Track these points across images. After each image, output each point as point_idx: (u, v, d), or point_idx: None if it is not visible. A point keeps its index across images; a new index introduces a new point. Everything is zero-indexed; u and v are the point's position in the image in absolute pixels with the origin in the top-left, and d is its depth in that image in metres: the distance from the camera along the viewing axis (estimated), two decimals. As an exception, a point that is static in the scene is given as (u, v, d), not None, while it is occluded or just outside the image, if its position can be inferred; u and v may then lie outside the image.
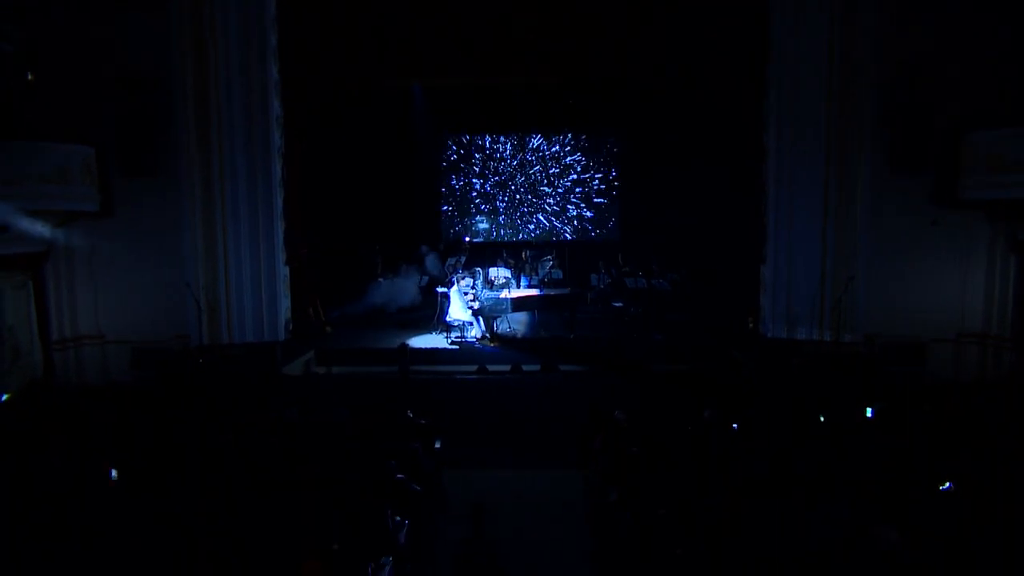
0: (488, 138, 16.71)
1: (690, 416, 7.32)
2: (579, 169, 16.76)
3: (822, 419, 7.18)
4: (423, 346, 11.14)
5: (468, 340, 11.38)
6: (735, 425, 7.05)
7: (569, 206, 16.78)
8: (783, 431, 6.94)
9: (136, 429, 6.88)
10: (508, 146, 16.77)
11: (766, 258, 10.81)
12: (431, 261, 13.55)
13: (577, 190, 16.80)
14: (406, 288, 13.25)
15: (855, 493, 5.35)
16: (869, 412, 7.20)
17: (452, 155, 16.87)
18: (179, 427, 6.94)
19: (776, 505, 5.24)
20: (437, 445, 7.42)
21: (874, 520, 4.62)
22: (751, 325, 11.28)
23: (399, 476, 6.12)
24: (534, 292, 12.56)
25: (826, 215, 10.22)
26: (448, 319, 11.51)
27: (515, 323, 12.20)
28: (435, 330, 11.98)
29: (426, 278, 13.26)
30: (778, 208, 10.55)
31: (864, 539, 4.43)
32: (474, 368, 10.21)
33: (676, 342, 11.27)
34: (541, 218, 16.77)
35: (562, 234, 16.70)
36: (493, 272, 13.13)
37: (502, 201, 16.79)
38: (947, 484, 5.21)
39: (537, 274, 14.45)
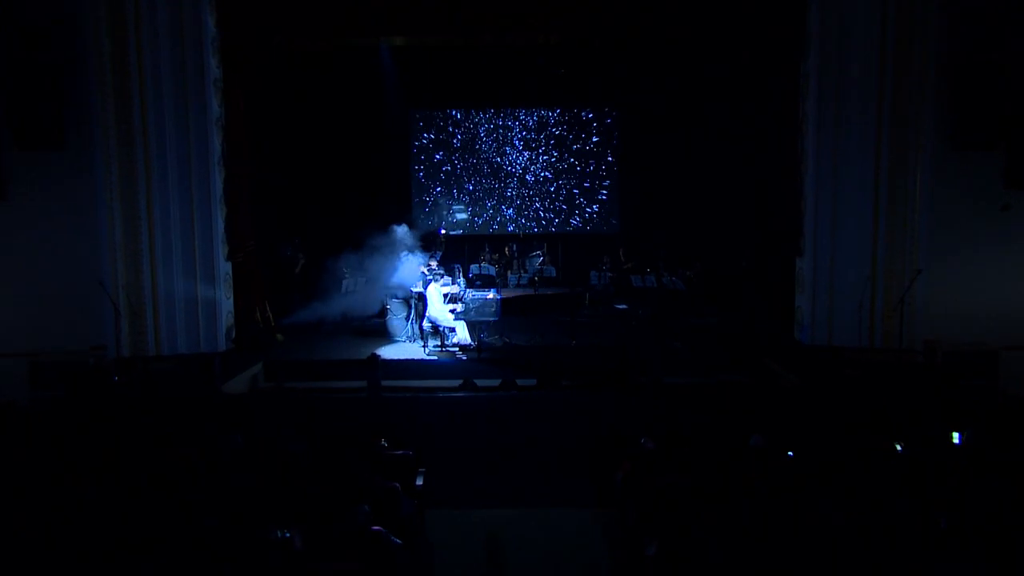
0: (465, 113, 16.49)
1: (731, 441, 6.96)
2: (573, 149, 16.58)
3: (898, 447, 6.66)
4: (396, 357, 10.79)
5: (449, 349, 11.01)
6: (790, 453, 6.66)
7: (561, 192, 16.64)
8: (853, 461, 6.43)
9: (25, 464, 6.25)
10: (489, 123, 16.55)
11: (804, 250, 10.34)
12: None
13: (570, 173, 16.66)
14: (375, 288, 12.73)
15: (970, 550, 4.72)
16: (956, 438, 6.70)
17: (426, 133, 16.63)
18: (84, 462, 6.40)
19: (870, 563, 4.70)
20: (419, 482, 6.89)
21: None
22: (786, 330, 10.88)
23: (375, 528, 5.31)
24: (526, 293, 12.43)
25: (877, 197, 9.75)
26: (425, 325, 11.12)
27: (504, 328, 11.80)
28: (409, 338, 11.67)
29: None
30: (819, 190, 10.04)
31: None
32: (458, 383, 9.73)
33: (698, 350, 10.95)
34: (528, 206, 16.66)
35: (553, 225, 16.59)
36: (473, 270, 13.22)
37: (482, 186, 16.57)
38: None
39: (526, 271, 14.61)
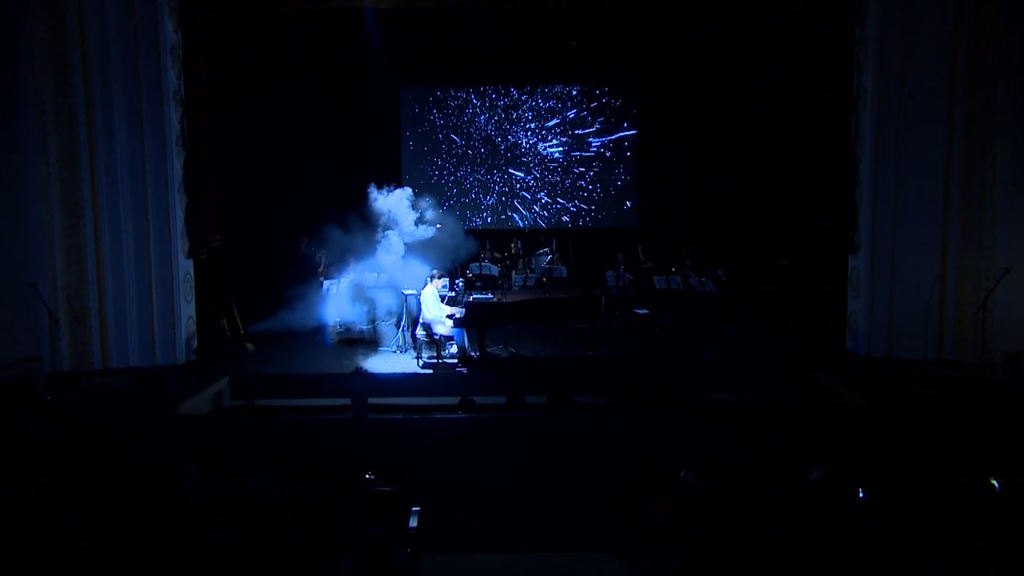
0: (463, 92, 16.31)
1: (788, 474, 6.75)
2: (586, 132, 16.37)
3: (995, 484, 6.26)
4: (385, 371, 10.59)
5: (447, 362, 10.83)
6: (861, 492, 6.32)
7: (572, 181, 16.44)
8: (941, 503, 6.10)
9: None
10: (490, 103, 16.35)
11: (858, 246, 10.31)
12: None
13: (582, 159, 16.42)
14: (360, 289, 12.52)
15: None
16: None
17: (417, 113, 16.44)
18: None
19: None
20: (413, 524, 6.56)
21: None
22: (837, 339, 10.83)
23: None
24: (535, 296, 12.05)
25: (948, 183, 9.63)
26: (418, 332, 10.89)
27: (509, 337, 11.63)
28: (400, 348, 11.47)
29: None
30: (878, 176, 10.01)
31: None
32: (456, 401, 9.58)
33: (735, 363, 10.74)
34: (534, 197, 16.47)
35: (563, 218, 16.44)
36: (473, 269, 13.17)
37: (483, 176, 16.42)
38: None
39: (533, 271, 14.34)
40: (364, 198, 12.27)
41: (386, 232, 11.96)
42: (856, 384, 9.39)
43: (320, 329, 12.21)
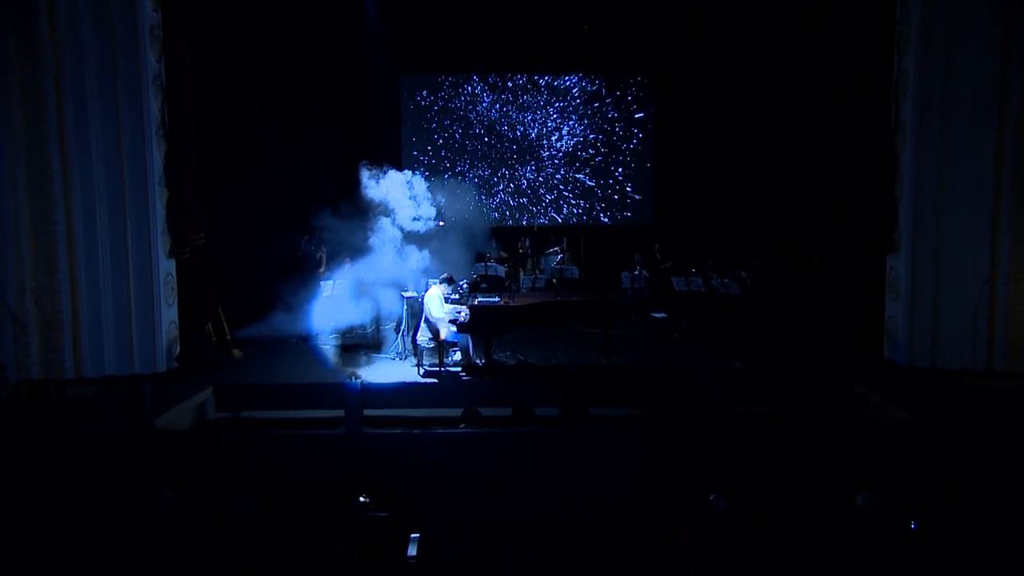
0: (467, 80, 16.20)
1: (829, 499, 6.56)
2: (599, 124, 16.28)
3: None
4: (383, 379, 10.53)
5: (450, 370, 10.81)
6: (913, 524, 6.15)
7: (584, 175, 16.34)
8: (1007, 539, 5.87)
9: None
10: (497, 92, 16.28)
11: (898, 245, 10.10)
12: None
13: (595, 152, 16.31)
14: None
15: None
16: None
17: (419, 102, 16.31)
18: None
19: None
20: (412, 552, 6.44)
21: None
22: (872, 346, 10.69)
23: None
24: (545, 299, 11.89)
25: (999, 176, 9.38)
26: (419, 338, 10.78)
27: (517, 343, 11.69)
28: (400, 354, 11.47)
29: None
30: (920, 168, 9.77)
31: None
32: (459, 412, 9.48)
33: (763, 372, 10.69)
34: (544, 193, 16.40)
35: (574, 215, 16.39)
36: (478, 270, 13.17)
37: (488, 169, 16.31)
38: None
39: (542, 272, 14.18)
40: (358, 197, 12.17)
41: (381, 219, 11.82)
42: (898, 397, 9.12)
43: (316, 334, 12.09)
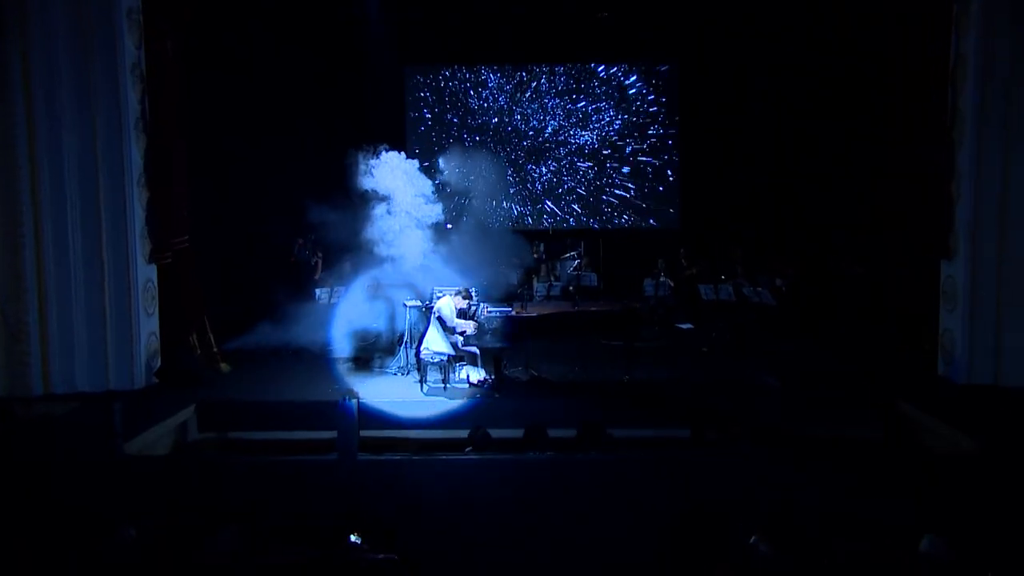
0: (476, 72, 16.33)
1: (884, 537, 6.19)
2: (618, 118, 16.33)
3: None
4: (383, 398, 10.26)
5: (457, 387, 10.60)
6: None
7: (603, 175, 16.42)
8: None
9: None
10: (508, 85, 16.37)
11: (954, 250, 9.87)
12: None
13: (614, 149, 16.39)
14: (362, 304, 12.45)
15: None
16: None
17: (425, 96, 16.40)
18: None
19: None
20: None
21: None
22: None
23: None
24: (561, 309, 12.33)
25: None
26: (423, 352, 10.58)
27: (530, 357, 11.48)
28: (401, 370, 11.31)
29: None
30: (982, 165, 9.49)
31: None
32: (466, 434, 9.20)
33: (802, 390, 10.35)
34: (560, 194, 16.49)
35: (593, 218, 16.48)
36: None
37: (500, 168, 16.27)
38: None
39: (558, 279, 14.44)
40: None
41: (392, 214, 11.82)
42: (957, 420, 8.70)
43: (313, 344, 12.02)
